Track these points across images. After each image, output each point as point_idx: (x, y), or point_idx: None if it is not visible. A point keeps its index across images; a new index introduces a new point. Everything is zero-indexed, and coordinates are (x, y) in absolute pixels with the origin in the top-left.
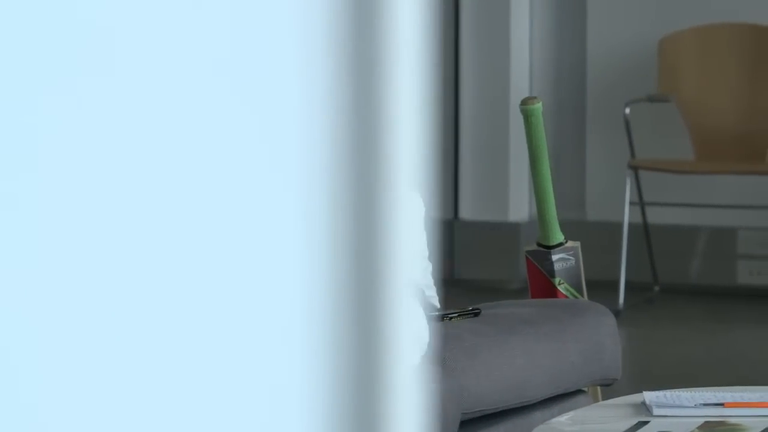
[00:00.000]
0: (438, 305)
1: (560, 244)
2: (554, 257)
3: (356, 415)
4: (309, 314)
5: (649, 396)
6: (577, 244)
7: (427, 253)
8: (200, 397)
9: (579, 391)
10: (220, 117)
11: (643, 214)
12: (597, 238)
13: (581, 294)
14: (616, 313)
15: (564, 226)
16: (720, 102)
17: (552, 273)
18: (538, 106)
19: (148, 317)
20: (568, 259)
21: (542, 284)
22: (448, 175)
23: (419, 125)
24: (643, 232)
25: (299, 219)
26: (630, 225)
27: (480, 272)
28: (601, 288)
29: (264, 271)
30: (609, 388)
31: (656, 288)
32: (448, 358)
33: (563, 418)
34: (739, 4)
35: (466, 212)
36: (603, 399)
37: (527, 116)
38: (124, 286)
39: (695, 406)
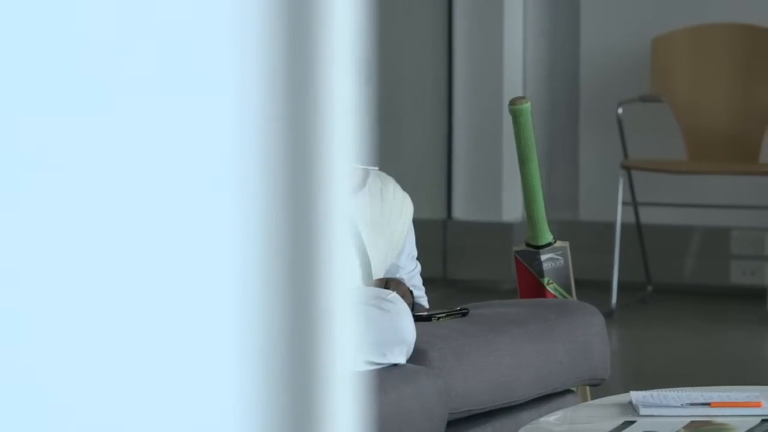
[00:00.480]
0: (426, 305)
1: (549, 244)
2: (543, 257)
3: (291, 417)
4: (242, 311)
5: (635, 396)
6: (566, 244)
7: (415, 254)
8: (133, 396)
9: (567, 391)
10: (148, 107)
11: (636, 214)
12: (590, 238)
13: (570, 294)
14: (609, 313)
15: (557, 226)
16: (713, 102)
17: (541, 273)
18: (527, 106)
19: (77, 318)
20: (557, 259)
21: (531, 284)
22: (441, 175)
23: (356, 115)
24: (636, 232)
25: (233, 216)
26: (623, 225)
27: (473, 272)
28: (593, 288)
29: (196, 266)
30: (600, 388)
31: (649, 288)
32: (435, 358)
33: (550, 417)
34: (732, 4)
35: (460, 212)
36: (592, 399)
37: (516, 116)
38: (51, 283)
39: (682, 406)
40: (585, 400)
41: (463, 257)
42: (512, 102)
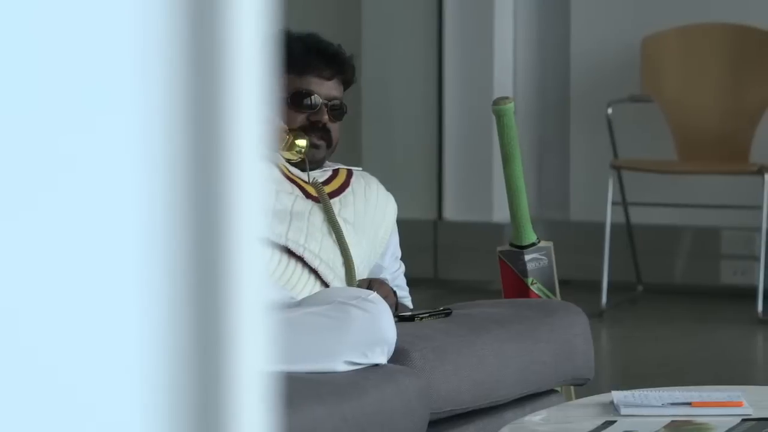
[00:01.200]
0: (411, 306)
1: (533, 244)
2: (527, 257)
3: (196, 419)
4: (147, 315)
5: (617, 395)
6: (550, 244)
7: (399, 254)
8: (35, 398)
9: (552, 391)
10: (50, 106)
11: (626, 214)
12: (580, 238)
13: (554, 294)
14: (599, 313)
15: (547, 226)
16: (702, 102)
17: (525, 273)
18: (510, 105)
19: None
20: (541, 259)
21: (515, 284)
22: (431, 176)
23: (260, 113)
24: (627, 232)
25: (137, 220)
26: (613, 225)
27: (464, 272)
28: (584, 288)
29: (99, 269)
30: (589, 388)
31: (639, 288)
32: (417, 358)
33: (531, 417)
34: (722, 4)
35: (450, 213)
36: (577, 399)
37: (499, 116)
38: None
39: (663, 406)
40: (569, 400)
41: (454, 257)
42: (495, 102)
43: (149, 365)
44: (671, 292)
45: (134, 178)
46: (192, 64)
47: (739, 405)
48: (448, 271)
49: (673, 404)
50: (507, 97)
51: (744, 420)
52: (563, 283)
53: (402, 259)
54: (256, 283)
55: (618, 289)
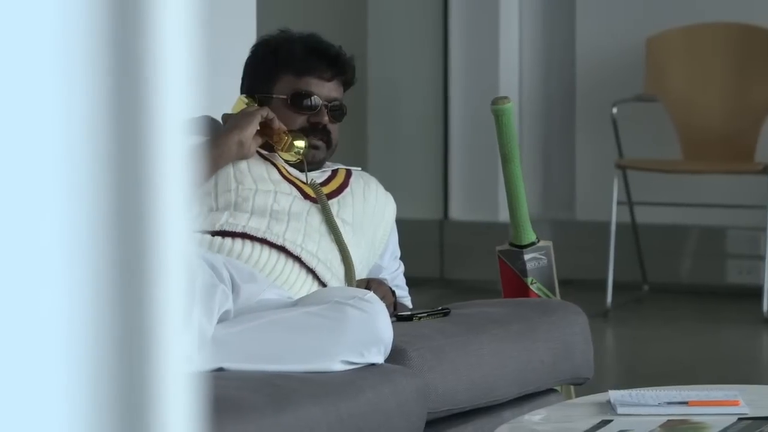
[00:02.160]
0: (410, 306)
1: (532, 244)
2: (526, 257)
3: (120, 418)
4: (68, 314)
5: (614, 395)
6: (549, 243)
7: (398, 254)
8: None
9: (551, 390)
10: None
11: (632, 213)
12: (586, 237)
13: (554, 293)
14: (605, 313)
15: (553, 226)
16: (707, 101)
17: (524, 272)
18: (510, 105)
19: None
20: (541, 258)
21: (515, 284)
22: (437, 176)
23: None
24: (632, 231)
25: (59, 225)
26: (619, 225)
27: (470, 272)
28: (590, 287)
29: (21, 271)
30: (592, 388)
31: (645, 287)
32: (414, 357)
33: (528, 416)
34: (726, 3)
35: (456, 212)
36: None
37: (498, 116)
38: None
39: (659, 405)
40: (569, 399)
41: (460, 257)
42: (494, 102)
43: (72, 368)
44: (677, 292)
45: (56, 176)
46: (114, 59)
47: (735, 404)
48: (454, 271)
49: (669, 403)
50: (505, 97)
51: (740, 419)
52: (568, 282)
53: (408, 258)
54: (181, 281)
55: (624, 289)
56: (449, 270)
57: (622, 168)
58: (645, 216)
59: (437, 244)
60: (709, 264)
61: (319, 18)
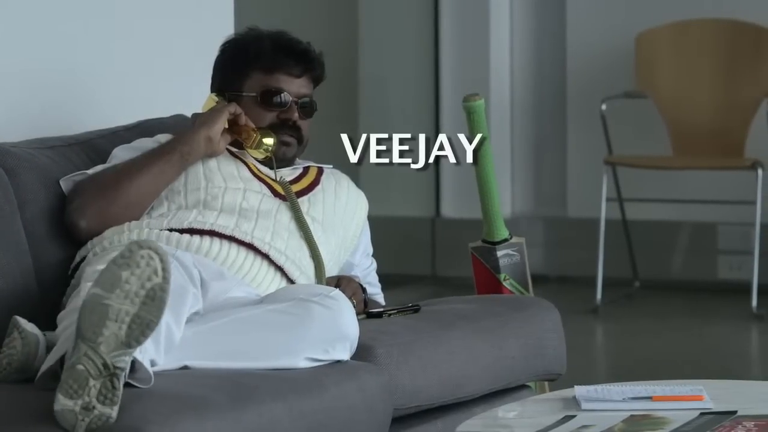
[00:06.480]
0: (383, 302)
1: (505, 240)
2: (499, 253)
3: None
4: None
5: (579, 390)
6: (522, 240)
7: (370, 251)
8: None
9: (524, 386)
10: None
11: (622, 210)
12: (578, 234)
13: (527, 290)
14: (594, 309)
15: (545, 223)
16: (697, 98)
17: (497, 269)
18: (480, 102)
19: None
20: (514, 255)
21: (488, 280)
22: (429, 173)
23: None
24: (623, 228)
25: None
26: (610, 221)
27: (462, 269)
28: (581, 284)
29: None
30: (571, 384)
31: (636, 284)
32: (381, 354)
33: (492, 411)
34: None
35: (448, 210)
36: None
37: (470, 113)
38: None
39: (623, 400)
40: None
41: (452, 254)
42: (466, 99)
43: None
44: (668, 288)
45: None
46: None
47: (699, 399)
48: (446, 268)
49: (634, 399)
50: (477, 94)
51: (702, 414)
52: (560, 279)
53: (400, 256)
54: None
55: (615, 285)
56: (441, 267)
57: (612, 164)
58: (635, 212)
59: (429, 241)
60: (700, 260)
61: (311, 17)
